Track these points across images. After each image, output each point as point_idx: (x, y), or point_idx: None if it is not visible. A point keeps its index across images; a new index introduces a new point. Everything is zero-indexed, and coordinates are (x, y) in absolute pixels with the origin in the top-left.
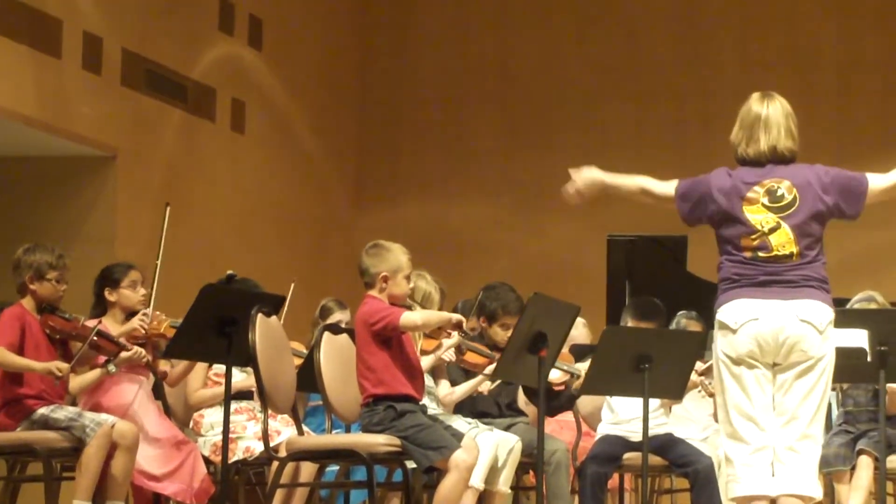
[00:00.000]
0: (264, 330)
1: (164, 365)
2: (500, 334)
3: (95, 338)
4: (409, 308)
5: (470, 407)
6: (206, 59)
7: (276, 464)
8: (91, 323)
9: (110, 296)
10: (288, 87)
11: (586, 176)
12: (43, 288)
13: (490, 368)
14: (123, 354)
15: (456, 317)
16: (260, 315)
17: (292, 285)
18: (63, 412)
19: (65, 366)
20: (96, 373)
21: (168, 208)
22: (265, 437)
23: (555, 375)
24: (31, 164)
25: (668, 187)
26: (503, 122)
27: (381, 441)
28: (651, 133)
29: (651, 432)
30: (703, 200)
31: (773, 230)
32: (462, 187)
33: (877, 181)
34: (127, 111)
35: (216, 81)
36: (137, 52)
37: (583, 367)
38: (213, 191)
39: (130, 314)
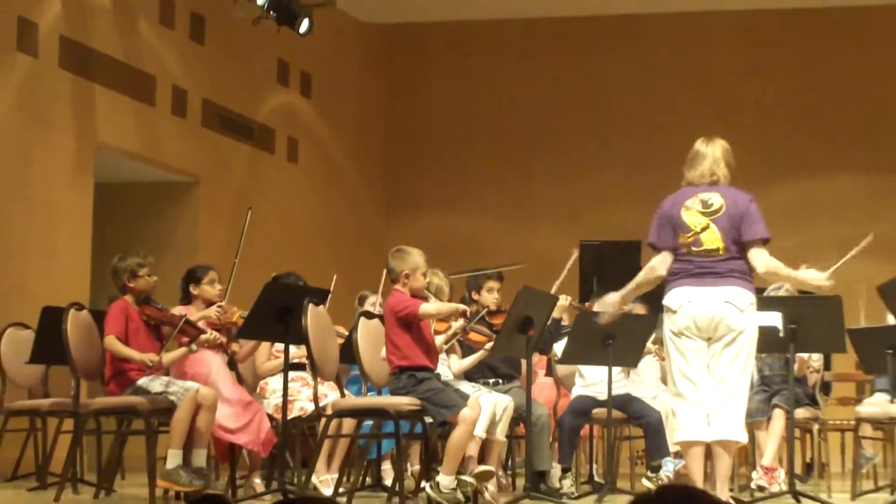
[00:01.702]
0: (314, 316)
1: (234, 345)
2: (488, 297)
3: (183, 325)
4: (426, 299)
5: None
6: (268, 105)
7: (324, 420)
8: (178, 311)
9: (194, 290)
10: (332, 127)
11: (608, 303)
12: (139, 283)
13: (490, 345)
14: (202, 337)
15: (462, 307)
16: (311, 305)
17: (335, 277)
18: (158, 381)
19: (156, 358)
20: (182, 350)
21: (249, 212)
22: (315, 399)
23: None
24: (132, 189)
25: (652, 251)
26: (500, 155)
27: (405, 402)
28: (612, 164)
29: (614, 393)
30: (662, 224)
31: (704, 229)
32: (468, 205)
33: (759, 257)
34: (206, 147)
35: (275, 123)
36: (214, 100)
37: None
38: (274, 209)
39: (210, 305)
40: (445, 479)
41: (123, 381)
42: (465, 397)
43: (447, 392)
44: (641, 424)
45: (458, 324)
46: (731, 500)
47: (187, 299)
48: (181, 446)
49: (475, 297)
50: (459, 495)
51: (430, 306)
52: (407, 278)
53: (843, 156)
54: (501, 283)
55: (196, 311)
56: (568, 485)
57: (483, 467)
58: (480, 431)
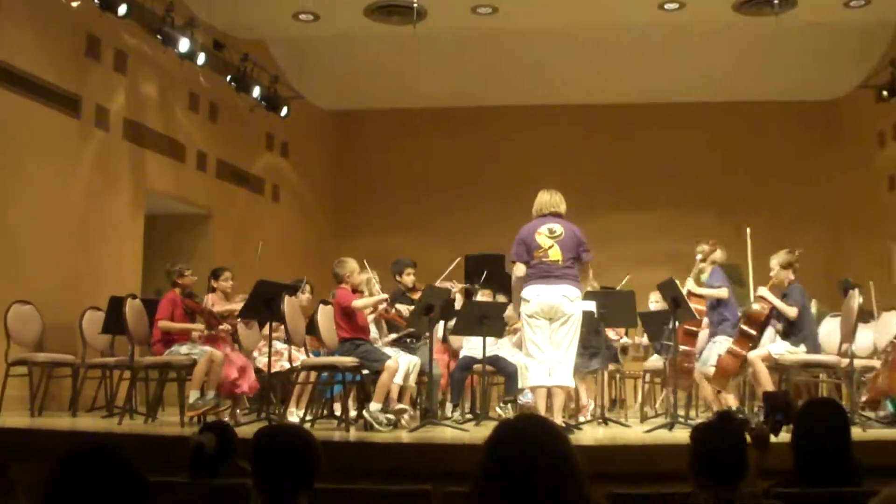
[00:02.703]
0: (289, 303)
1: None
2: (407, 280)
3: (207, 316)
4: (361, 293)
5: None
6: (259, 162)
7: (295, 372)
8: (207, 302)
9: (215, 284)
10: (302, 179)
11: (510, 315)
12: (185, 280)
13: (406, 327)
14: (220, 327)
15: (383, 297)
16: (287, 295)
17: (305, 278)
18: (186, 347)
19: (203, 328)
20: (207, 333)
21: (261, 244)
22: (290, 358)
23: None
24: (169, 218)
25: (513, 262)
26: (415, 198)
27: (348, 360)
28: (488, 206)
29: (487, 353)
30: (520, 244)
31: (550, 248)
32: (393, 230)
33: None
34: (218, 191)
35: (265, 175)
36: (224, 159)
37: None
38: (263, 233)
39: (224, 294)
40: (374, 406)
41: (164, 346)
42: (387, 357)
43: (376, 352)
44: (504, 374)
45: (381, 307)
46: (563, 424)
47: (211, 290)
48: (199, 388)
49: (398, 279)
50: (384, 419)
51: (360, 301)
52: (347, 279)
53: (633, 199)
54: (415, 270)
55: (217, 298)
56: (457, 415)
57: (400, 405)
58: (399, 380)
